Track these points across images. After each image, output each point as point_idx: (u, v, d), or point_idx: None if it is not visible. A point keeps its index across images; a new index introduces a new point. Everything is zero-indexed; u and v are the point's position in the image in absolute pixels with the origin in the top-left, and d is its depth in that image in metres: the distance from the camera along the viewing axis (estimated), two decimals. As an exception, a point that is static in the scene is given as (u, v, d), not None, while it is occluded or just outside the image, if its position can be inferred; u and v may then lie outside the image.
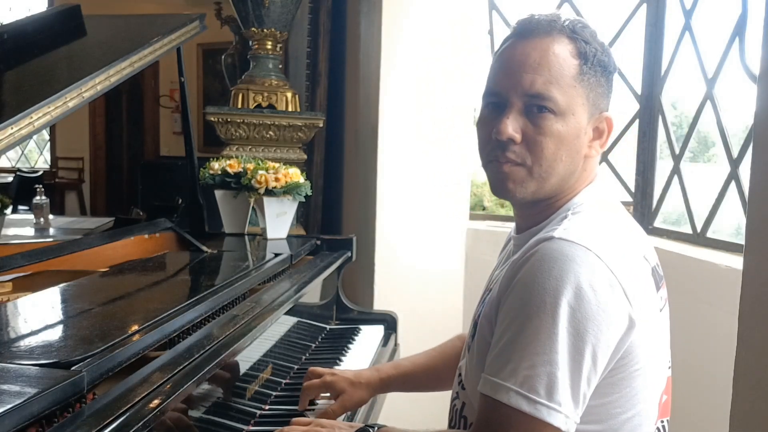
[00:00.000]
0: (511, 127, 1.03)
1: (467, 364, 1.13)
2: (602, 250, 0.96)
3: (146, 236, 1.89)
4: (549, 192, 1.08)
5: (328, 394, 1.38)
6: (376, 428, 1.11)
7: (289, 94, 2.95)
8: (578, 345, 0.93)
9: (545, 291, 0.93)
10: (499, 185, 1.08)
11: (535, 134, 1.04)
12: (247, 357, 1.32)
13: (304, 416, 1.33)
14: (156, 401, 0.91)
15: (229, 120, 2.79)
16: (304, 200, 2.17)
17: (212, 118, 2.79)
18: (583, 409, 0.95)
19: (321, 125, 3.00)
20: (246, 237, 2.15)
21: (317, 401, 1.41)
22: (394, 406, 1.78)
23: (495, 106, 1.07)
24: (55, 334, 1.09)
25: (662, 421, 1.11)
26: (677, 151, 2.43)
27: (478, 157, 1.13)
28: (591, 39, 1.07)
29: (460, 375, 1.19)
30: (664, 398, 1.11)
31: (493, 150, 1.07)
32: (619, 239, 1.03)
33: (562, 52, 1.04)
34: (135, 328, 1.06)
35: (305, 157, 2.99)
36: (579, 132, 1.05)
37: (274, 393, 1.44)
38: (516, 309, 0.96)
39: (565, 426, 0.92)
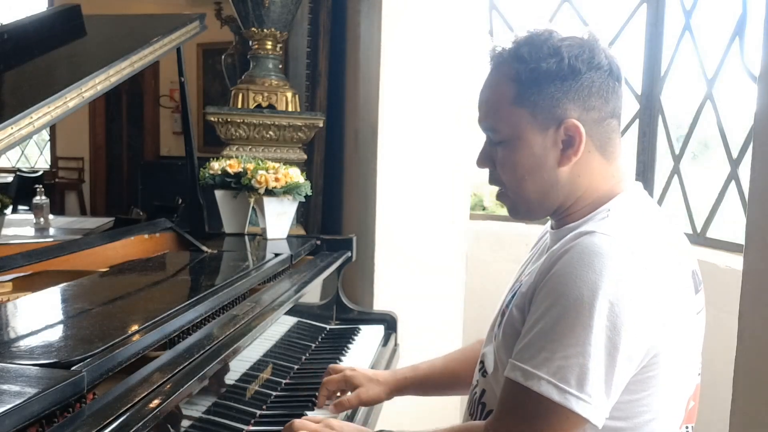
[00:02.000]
0: (482, 158, 1.13)
1: (492, 351, 1.14)
2: (641, 248, 0.98)
3: (146, 236, 1.89)
4: (547, 206, 1.12)
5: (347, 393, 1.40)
6: None
7: (289, 94, 2.95)
8: (614, 340, 0.93)
9: (584, 284, 0.94)
10: (506, 209, 1.18)
11: (497, 163, 1.11)
12: (247, 357, 1.32)
13: (304, 416, 1.33)
14: (156, 401, 0.91)
15: (229, 120, 2.79)
16: (304, 200, 2.17)
17: (212, 118, 2.79)
18: (613, 403, 0.96)
19: (321, 125, 2.99)
20: (246, 237, 2.15)
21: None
22: (394, 407, 1.77)
23: None
24: (55, 334, 1.09)
25: (687, 427, 1.12)
26: (677, 151, 2.43)
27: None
28: (532, 54, 1.05)
29: (482, 362, 1.19)
30: (691, 404, 1.11)
31: None
32: (659, 239, 1.04)
33: (500, 81, 1.08)
34: (135, 328, 1.06)
35: (305, 157, 2.99)
36: (534, 151, 1.07)
37: (274, 393, 1.44)
38: (552, 299, 0.97)
39: (593, 418, 0.93)
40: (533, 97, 1.05)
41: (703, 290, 1.14)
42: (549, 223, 1.21)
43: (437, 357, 1.46)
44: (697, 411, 1.15)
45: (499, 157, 1.10)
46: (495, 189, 1.17)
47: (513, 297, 1.11)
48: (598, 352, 0.93)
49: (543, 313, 0.97)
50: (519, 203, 1.13)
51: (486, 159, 1.12)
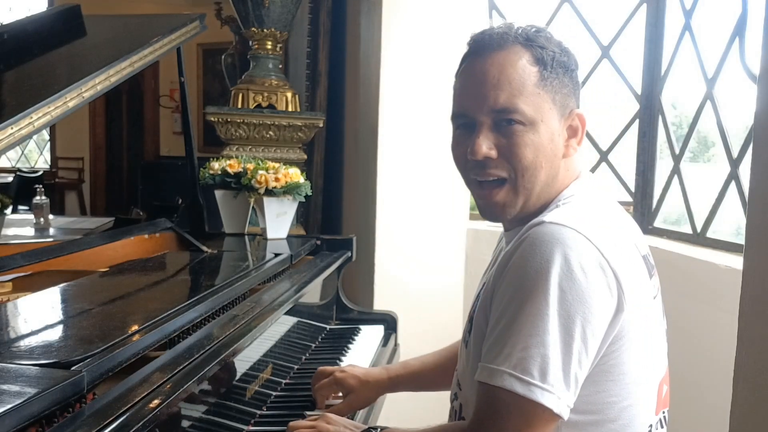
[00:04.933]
0: (485, 145, 1.05)
1: (464, 361, 1.14)
2: (592, 233, 0.97)
3: (146, 236, 1.89)
4: (535, 202, 1.09)
5: (339, 394, 1.39)
6: (379, 430, 1.11)
7: (289, 94, 2.95)
8: (568, 326, 0.93)
9: (537, 273, 0.94)
10: (487, 209, 1.11)
11: (510, 147, 1.05)
12: (247, 357, 1.32)
13: (305, 417, 1.33)
14: (156, 401, 0.91)
15: (229, 120, 2.79)
16: (304, 200, 2.17)
17: (212, 118, 2.79)
18: (576, 393, 0.95)
19: (321, 125, 3.00)
20: (246, 237, 2.15)
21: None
22: (394, 405, 1.78)
23: (465, 127, 1.09)
24: (55, 334, 1.10)
25: (663, 412, 1.11)
26: (677, 151, 2.43)
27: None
28: (546, 43, 1.07)
29: (457, 376, 1.20)
30: (665, 389, 1.11)
31: (472, 170, 1.08)
32: (609, 225, 1.04)
33: (520, 62, 1.05)
34: (135, 328, 1.06)
35: (305, 157, 2.99)
36: (552, 136, 1.06)
37: (274, 393, 1.44)
38: (510, 294, 0.97)
39: (557, 408, 0.93)
40: (555, 83, 1.06)
41: (657, 275, 1.13)
42: (501, 233, 1.21)
43: (427, 354, 1.46)
44: (669, 395, 1.15)
45: (519, 140, 1.04)
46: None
47: (478, 300, 1.10)
48: (554, 342, 0.93)
49: (503, 311, 0.97)
50: (522, 193, 1.06)
51: (491, 146, 1.05)
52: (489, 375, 0.95)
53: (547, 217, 1.00)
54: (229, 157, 2.31)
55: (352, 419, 1.38)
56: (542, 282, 0.94)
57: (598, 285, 0.95)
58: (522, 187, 1.06)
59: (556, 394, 0.92)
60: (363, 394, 1.37)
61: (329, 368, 1.43)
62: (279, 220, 2.11)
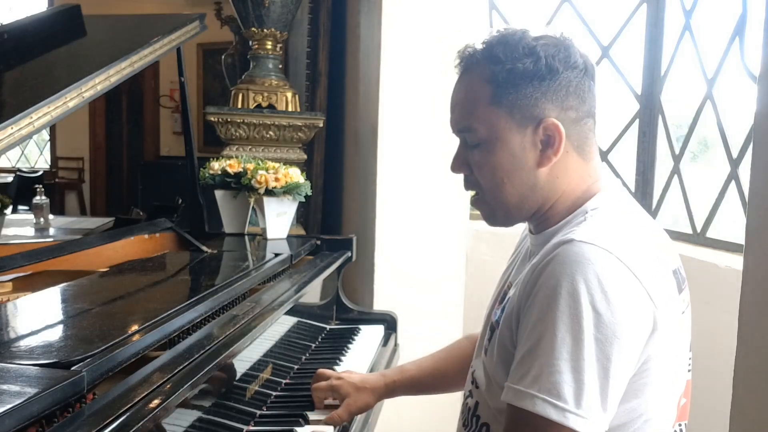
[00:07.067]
0: (457, 162, 1.12)
1: (483, 364, 1.12)
2: (623, 252, 0.95)
3: (146, 236, 1.89)
4: (526, 210, 1.10)
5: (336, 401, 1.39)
6: None
7: (289, 94, 2.95)
8: (606, 350, 0.91)
9: (569, 294, 0.92)
10: (482, 217, 1.16)
11: (473, 167, 1.09)
12: (247, 357, 1.32)
13: (305, 417, 1.33)
14: (156, 401, 0.91)
15: (229, 120, 2.79)
16: (304, 200, 2.17)
17: (212, 118, 2.79)
18: (612, 413, 0.93)
19: (321, 125, 2.99)
20: (246, 237, 2.15)
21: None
22: (394, 408, 1.77)
23: None
24: (55, 334, 1.09)
25: (680, 425, 1.11)
26: (677, 151, 2.43)
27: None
28: (505, 55, 1.04)
29: (473, 374, 1.18)
30: (683, 401, 1.10)
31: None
32: (639, 241, 1.02)
33: (474, 82, 1.07)
34: (135, 328, 1.06)
35: (305, 157, 2.99)
36: (513, 152, 1.05)
37: (274, 393, 1.44)
38: (538, 314, 0.94)
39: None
40: (511, 97, 1.04)
41: (687, 288, 1.11)
42: (527, 225, 1.19)
43: (424, 357, 1.45)
44: (689, 407, 1.15)
45: (477, 160, 1.08)
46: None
47: (502, 312, 1.08)
48: (590, 366, 0.90)
49: (531, 331, 0.95)
50: (497, 208, 1.10)
51: (462, 163, 1.10)
52: (516, 396, 0.93)
53: (577, 234, 0.97)
54: (229, 157, 2.31)
55: (350, 424, 1.38)
56: (575, 304, 0.91)
57: (633, 307, 0.93)
58: (495, 200, 1.10)
59: (591, 419, 0.90)
60: (360, 400, 1.36)
61: (328, 372, 1.43)
62: (279, 220, 2.11)
